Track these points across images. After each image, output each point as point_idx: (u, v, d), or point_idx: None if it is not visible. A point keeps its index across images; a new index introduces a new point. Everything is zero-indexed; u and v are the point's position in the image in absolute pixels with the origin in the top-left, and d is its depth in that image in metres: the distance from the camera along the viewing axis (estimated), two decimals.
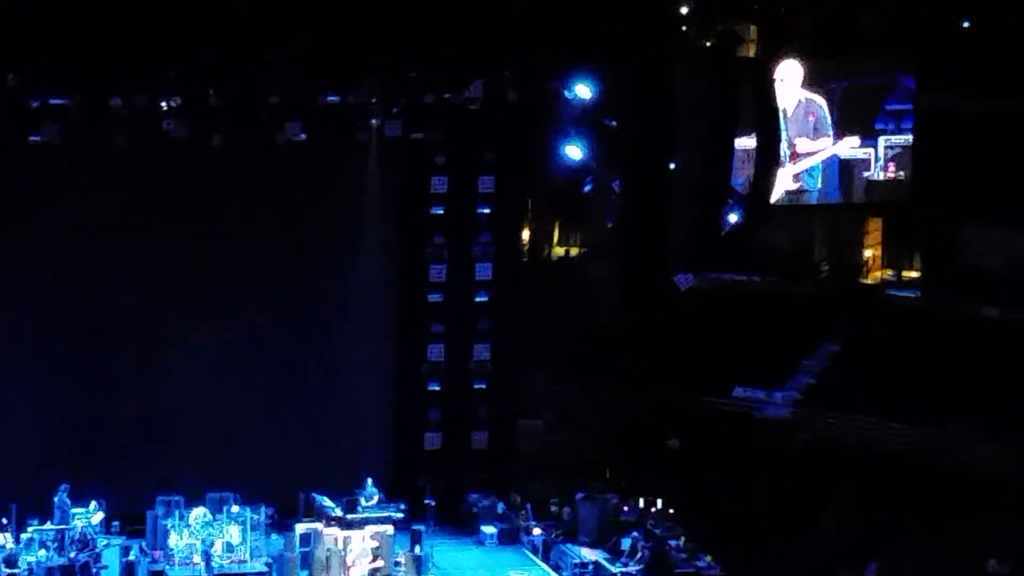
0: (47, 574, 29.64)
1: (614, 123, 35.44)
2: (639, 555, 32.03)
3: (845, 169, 39.26)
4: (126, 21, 30.70)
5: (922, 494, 32.74)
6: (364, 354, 34.97)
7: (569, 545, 33.01)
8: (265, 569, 30.71)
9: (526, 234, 39.05)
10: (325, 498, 31.86)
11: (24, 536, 30.67)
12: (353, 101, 33.13)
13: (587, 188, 36.09)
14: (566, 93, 34.23)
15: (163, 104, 31.90)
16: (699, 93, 37.17)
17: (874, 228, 41.31)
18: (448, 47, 32.91)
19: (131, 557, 30.59)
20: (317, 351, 34.65)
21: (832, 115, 38.95)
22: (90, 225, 32.97)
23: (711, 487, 34.40)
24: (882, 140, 38.92)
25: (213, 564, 30.45)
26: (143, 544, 31.33)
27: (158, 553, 31.04)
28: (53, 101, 31.40)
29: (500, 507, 34.58)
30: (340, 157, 34.30)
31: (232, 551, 31.03)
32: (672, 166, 36.57)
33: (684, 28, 38.37)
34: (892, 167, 38.99)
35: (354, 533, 30.75)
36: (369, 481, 31.96)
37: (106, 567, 30.49)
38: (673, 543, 32.31)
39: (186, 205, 33.56)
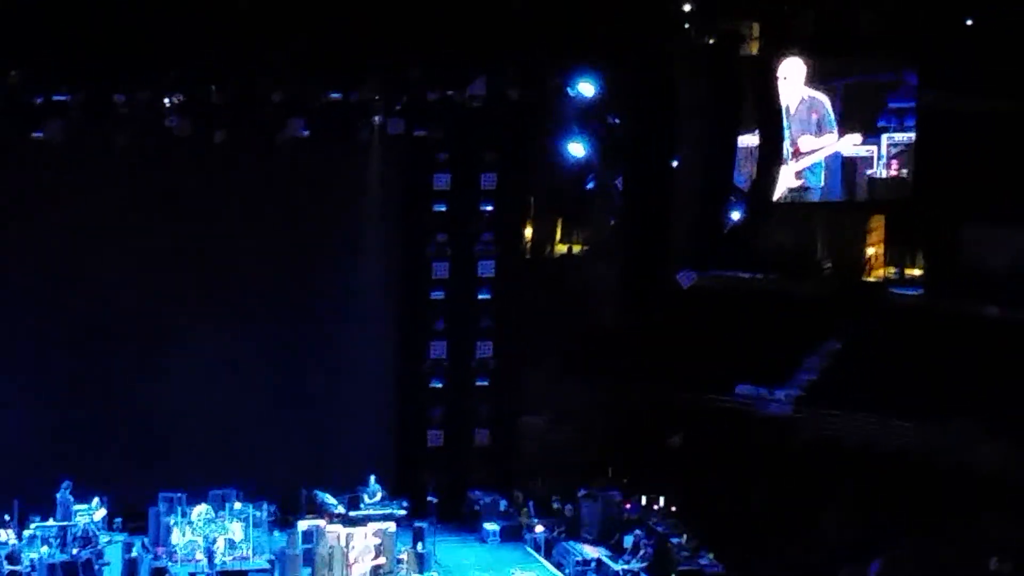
0: (49, 571, 29.64)
1: (616, 121, 35.43)
2: (641, 552, 32.04)
3: (848, 167, 39.23)
4: (128, 18, 30.69)
5: (923, 493, 32.71)
6: (366, 351, 34.99)
7: (571, 543, 33.03)
8: (267, 566, 30.73)
9: (528, 232, 39.03)
10: (327, 495, 31.89)
11: (26, 533, 30.71)
12: (355, 99, 33.14)
13: (589, 186, 36.07)
14: (568, 91, 34.25)
15: (165, 101, 31.92)
16: (701, 91, 37.10)
17: (877, 226, 41.26)
18: (450, 45, 32.91)
19: (133, 554, 30.61)
20: (319, 348, 34.67)
21: (835, 112, 38.93)
22: (92, 222, 32.99)
23: (713, 485, 34.39)
24: (885, 138, 38.89)
25: (215, 561, 30.45)
26: (145, 541, 31.38)
27: (160, 550, 31.11)
28: (55, 98, 31.40)
29: (502, 504, 34.60)
30: (342, 155, 34.30)
31: (234, 548, 31.06)
32: (674, 164, 36.50)
33: (686, 26, 38.35)
34: (895, 165, 38.96)
35: (356, 530, 30.77)
36: (372, 478, 31.97)
37: (108, 564, 30.52)
38: (675, 540, 32.33)
39: (188, 202, 33.58)
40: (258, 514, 31.45)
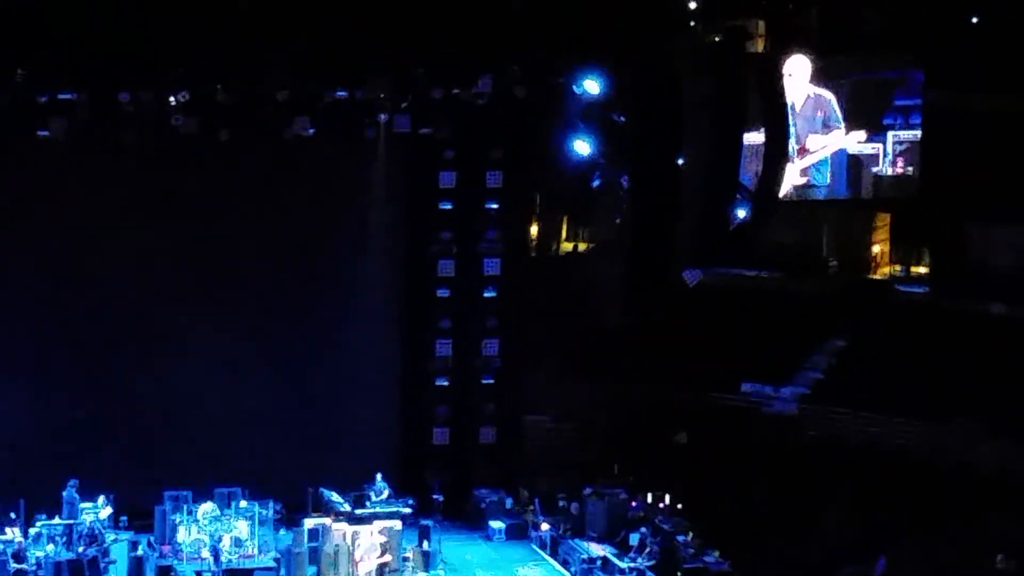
0: (55, 569, 29.64)
1: (622, 119, 35.44)
2: (647, 550, 32.04)
3: (853, 164, 39.26)
4: (134, 16, 30.75)
5: (926, 492, 32.70)
6: (372, 349, 35.02)
7: (577, 540, 33.03)
8: (273, 564, 30.73)
9: (534, 230, 39.05)
10: (333, 493, 31.87)
11: (32, 531, 30.69)
12: (361, 97, 33.18)
13: (595, 184, 36.09)
14: (574, 89, 34.25)
15: (171, 100, 31.93)
16: (707, 89, 37.12)
17: (882, 224, 41.25)
18: (456, 43, 32.93)
19: (139, 552, 30.61)
20: (325, 346, 34.68)
21: (841, 110, 38.94)
22: (97, 220, 33.04)
23: (718, 482, 34.38)
24: (890, 135, 38.92)
25: (221, 559, 30.47)
26: (151, 539, 31.37)
27: (166, 548, 31.12)
28: (60, 97, 31.44)
29: (508, 502, 34.62)
30: (348, 152, 34.33)
31: (240, 546, 31.09)
32: (680, 162, 36.52)
33: (692, 24, 38.38)
34: (901, 162, 38.98)
35: (362, 528, 30.77)
36: (379, 476, 31.96)
37: (114, 562, 30.49)
38: (681, 538, 32.32)
39: (193, 200, 33.62)
40: (264, 512, 31.47)
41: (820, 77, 39.00)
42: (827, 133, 39.21)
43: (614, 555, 32.13)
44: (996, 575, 30.32)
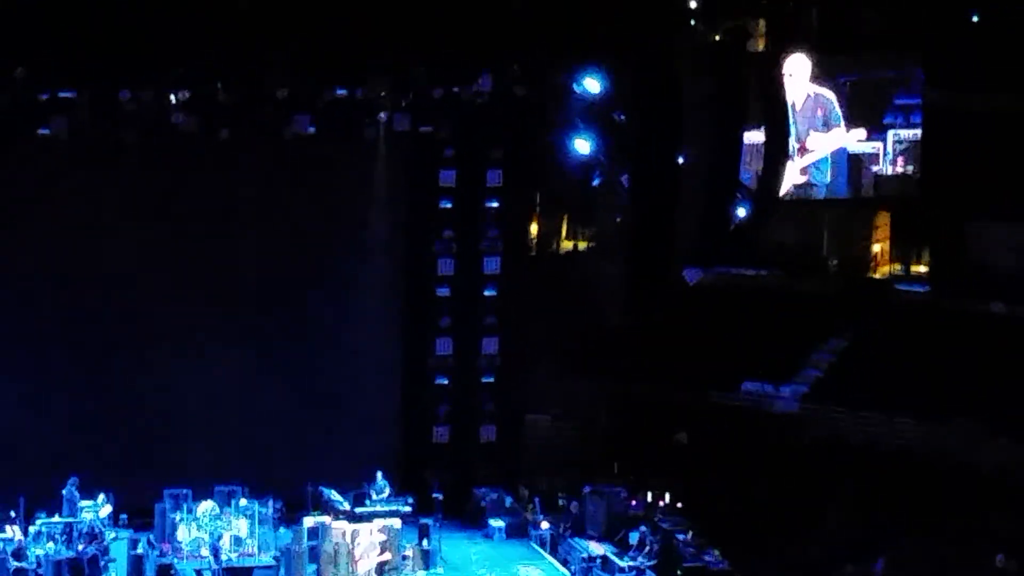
0: (55, 567, 29.63)
1: (622, 118, 35.42)
2: (647, 549, 32.01)
3: (854, 163, 39.26)
4: (134, 15, 30.73)
5: (927, 491, 32.71)
6: (372, 348, 35.01)
7: (577, 539, 33.02)
8: (273, 562, 30.74)
9: (534, 228, 39.05)
10: (333, 492, 31.89)
11: (32, 529, 30.67)
12: (361, 95, 33.17)
13: (595, 182, 36.07)
14: (574, 87, 34.24)
15: (171, 99, 31.93)
16: (707, 88, 37.11)
17: (882, 223, 41.26)
18: (456, 41, 32.92)
19: (139, 550, 30.58)
20: (325, 345, 34.68)
21: (841, 109, 38.94)
22: (98, 218, 33.04)
23: (718, 481, 34.39)
24: (891, 135, 38.92)
25: (221, 557, 30.47)
26: (151, 537, 31.33)
27: (166, 546, 31.12)
28: (61, 95, 31.44)
29: (508, 501, 34.61)
30: (348, 151, 34.31)
31: (240, 544, 31.12)
32: (680, 161, 36.50)
33: (692, 22, 38.38)
34: (901, 161, 38.98)
35: (362, 527, 30.74)
36: (379, 474, 31.96)
37: (114, 560, 30.47)
38: (681, 537, 32.30)
39: (193, 198, 33.62)
40: (264, 510, 31.49)
41: (820, 76, 39.00)
42: (827, 132, 39.21)
43: (614, 554, 32.10)
44: (996, 574, 30.33)
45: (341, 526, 30.72)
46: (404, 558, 31.20)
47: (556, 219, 41.23)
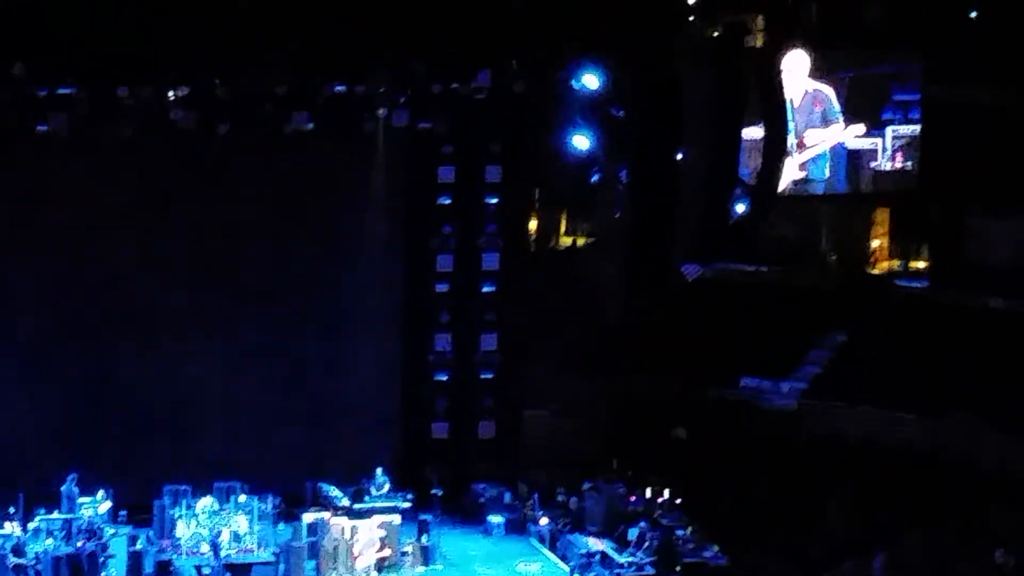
0: (54, 563, 29.63)
1: (621, 114, 35.41)
2: (646, 545, 32.03)
3: (852, 159, 39.25)
4: (133, 10, 30.72)
5: (927, 487, 32.72)
6: (371, 344, 34.99)
7: (576, 535, 33.01)
8: (272, 559, 30.72)
9: (533, 225, 39.03)
10: (332, 488, 31.91)
11: (31, 525, 30.70)
12: (360, 92, 33.14)
13: (594, 179, 36.06)
14: (573, 83, 34.22)
15: (170, 95, 31.91)
16: (706, 84, 37.08)
17: (881, 219, 41.26)
18: (455, 38, 32.91)
19: (138, 547, 30.56)
20: (324, 341, 34.67)
21: (840, 105, 38.93)
22: (97, 215, 33.04)
23: (718, 477, 34.39)
24: (889, 130, 38.92)
25: (220, 554, 30.47)
26: (150, 534, 31.35)
27: (165, 543, 31.11)
28: (60, 91, 31.41)
29: (507, 497, 34.59)
30: (347, 148, 34.29)
31: (239, 541, 31.08)
32: (679, 157, 36.49)
33: (691, 18, 38.34)
34: (900, 157, 38.98)
35: (361, 523, 30.80)
36: (379, 471, 31.97)
37: (113, 556, 30.47)
38: (680, 533, 32.33)
39: (192, 195, 33.61)
40: (263, 507, 31.47)
41: (819, 72, 38.97)
42: (826, 128, 39.20)
43: (613, 550, 32.13)
44: (995, 570, 30.35)
45: (340, 522, 30.75)
46: (403, 554, 31.23)
47: (555, 215, 41.21)
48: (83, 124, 31.72)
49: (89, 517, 30.73)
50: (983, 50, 37.13)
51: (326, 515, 30.95)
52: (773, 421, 36.43)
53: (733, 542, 31.92)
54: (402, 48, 32.73)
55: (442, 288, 35.44)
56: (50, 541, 30.19)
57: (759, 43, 39.54)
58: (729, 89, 37.09)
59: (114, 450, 33.14)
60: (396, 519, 31.10)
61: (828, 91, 39.05)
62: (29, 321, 33.14)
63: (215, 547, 30.55)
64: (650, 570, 31.38)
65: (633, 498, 34.05)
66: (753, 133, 38.05)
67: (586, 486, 34.16)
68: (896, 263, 41.05)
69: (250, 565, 30.58)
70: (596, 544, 32.45)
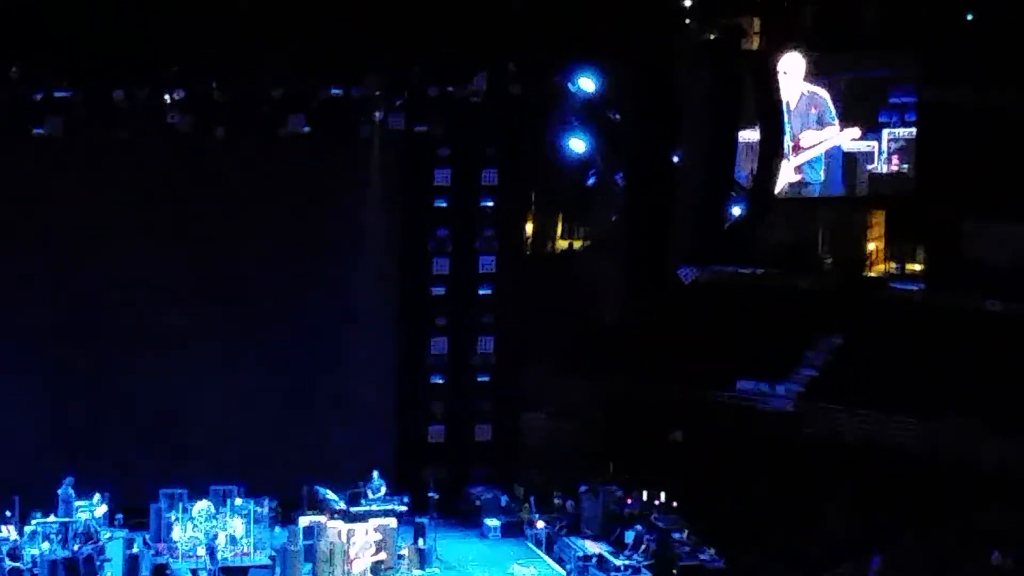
0: (50, 567, 29.59)
1: (617, 116, 35.41)
2: (643, 548, 32.03)
3: (848, 162, 39.29)
4: (129, 14, 30.67)
5: (924, 488, 32.74)
6: (367, 347, 34.97)
7: (572, 538, 32.99)
8: (269, 562, 30.71)
9: (529, 227, 39.04)
10: (328, 491, 31.88)
11: (28, 529, 30.65)
12: (356, 95, 33.11)
13: (590, 181, 36.05)
14: (569, 86, 34.22)
15: (166, 98, 31.91)
16: (702, 86, 37.11)
17: (877, 221, 41.33)
18: (451, 40, 32.88)
19: (135, 550, 30.54)
20: (320, 344, 34.63)
21: (836, 108, 38.97)
22: (93, 218, 33.01)
23: (714, 480, 34.40)
24: (886, 133, 38.97)
25: (217, 557, 30.44)
26: (147, 537, 31.31)
27: (162, 546, 31.07)
28: (56, 94, 31.38)
29: (503, 500, 34.58)
30: (343, 150, 34.28)
31: (236, 544, 31.05)
32: (675, 159, 36.52)
33: (687, 21, 38.33)
34: (896, 160, 39.03)
35: (357, 526, 30.77)
36: (375, 474, 31.97)
37: (109, 560, 30.45)
38: (677, 536, 32.32)
39: (189, 198, 33.58)
40: (259, 510, 31.43)
41: (815, 74, 39.03)
42: (822, 130, 39.23)
43: (609, 553, 32.10)
44: (993, 572, 30.37)
45: (337, 525, 30.72)
46: (400, 557, 31.22)
47: (551, 218, 41.24)
48: (80, 127, 31.67)
49: (85, 520, 30.66)
50: (979, 53, 37.20)
51: (322, 518, 30.92)
52: (770, 423, 36.46)
53: (730, 544, 31.92)
54: (398, 51, 32.72)
55: (439, 291, 35.43)
56: (46, 545, 30.12)
57: (755, 46, 39.57)
58: (725, 92, 37.11)
59: (110, 453, 33.08)
60: (392, 522, 31.08)
61: (824, 94, 39.10)
62: (24, 324, 33.09)
63: (211, 550, 30.50)
64: (647, 573, 31.37)
65: (630, 501, 34.04)
66: (749, 136, 38.09)
67: (583, 489, 34.14)
68: (892, 265, 41.11)
69: (246, 568, 30.56)
70: (593, 547, 32.44)
